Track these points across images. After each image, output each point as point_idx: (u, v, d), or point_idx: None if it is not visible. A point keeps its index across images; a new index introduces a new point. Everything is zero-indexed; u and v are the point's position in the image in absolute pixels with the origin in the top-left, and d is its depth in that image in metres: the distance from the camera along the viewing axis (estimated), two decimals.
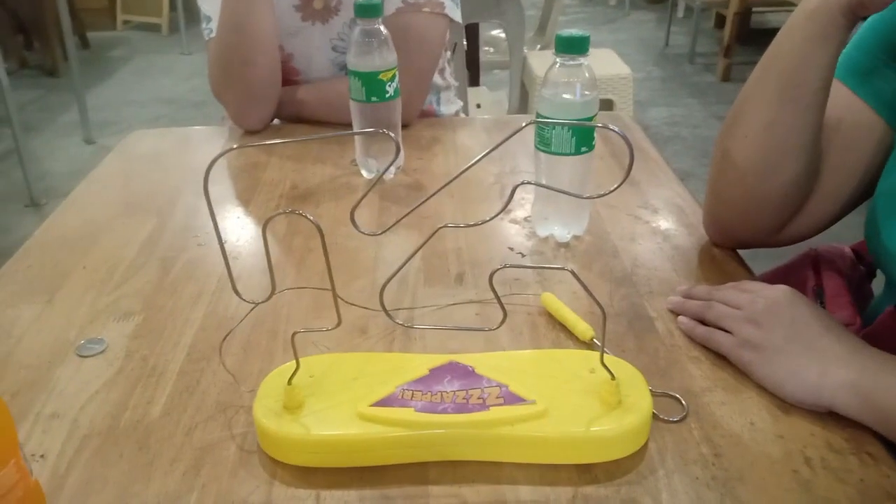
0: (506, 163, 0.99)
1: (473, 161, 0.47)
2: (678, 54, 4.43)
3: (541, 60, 2.65)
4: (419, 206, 0.50)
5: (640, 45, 4.59)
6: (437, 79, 1.25)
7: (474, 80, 2.33)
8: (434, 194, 0.50)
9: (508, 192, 0.90)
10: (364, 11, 0.89)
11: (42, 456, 0.54)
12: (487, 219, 0.50)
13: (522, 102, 2.54)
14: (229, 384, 0.60)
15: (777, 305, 0.60)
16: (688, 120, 3.45)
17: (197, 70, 4.14)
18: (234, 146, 0.46)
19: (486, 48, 2.76)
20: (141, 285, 0.74)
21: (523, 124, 0.45)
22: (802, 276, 0.76)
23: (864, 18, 0.66)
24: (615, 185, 0.45)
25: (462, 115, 1.35)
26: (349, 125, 0.99)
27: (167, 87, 3.94)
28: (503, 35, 2.70)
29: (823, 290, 0.73)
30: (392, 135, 0.46)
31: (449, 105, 1.32)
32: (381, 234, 0.50)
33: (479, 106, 2.28)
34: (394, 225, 0.50)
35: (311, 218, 0.47)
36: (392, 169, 0.96)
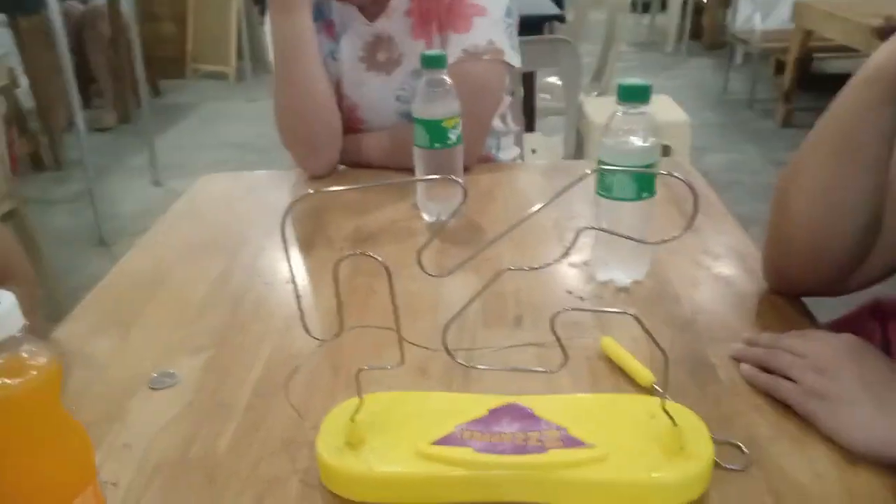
0: (564, 208, 1.00)
1: (540, 206, 0.48)
2: (736, 100, 4.39)
3: (597, 107, 2.66)
4: (484, 248, 0.51)
5: (698, 92, 4.57)
6: (497, 124, 1.27)
7: (530, 126, 2.36)
8: (498, 238, 0.51)
9: (567, 236, 0.92)
10: (430, 62, 0.92)
11: (114, 484, 0.56)
12: (550, 262, 0.51)
13: (578, 148, 2.55)
14: (293, 420, 0.62)
15: (843, 354, 0.59)
16: (747, 166, 3.40)
17: (262, 116, 4.27)
18: (311, 192, 0.49)
19: (543, 95, 2.79)
20: (211, 322, 0.77)
21: (588, 172, 0.46)
22: (868, 327, 0.74)
23: None
24: (679, 232, 0.45)
25: (520, 161, 1.37)
26: (410, 171, 1.01)
27: (233, 132, 4.08)
28: (559, 82, 2.74)
29: (889, 340, 0.71)
30: (460, 181, 0.48)
31: (508, 151, 1.34)
32: (448, 275, 0.51)
33: (534, 151, 2.30)
34: (459, 266, 0.51)
35: (380, 259, 0.49)
36: (453, 216, 0.98)
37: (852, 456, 0.55)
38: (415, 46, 1.15)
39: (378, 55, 1.17)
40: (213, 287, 0.84)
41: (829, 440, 0.56)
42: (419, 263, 0.50)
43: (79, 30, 3.88)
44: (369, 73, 1.18)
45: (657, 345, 0.48)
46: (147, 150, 3.34)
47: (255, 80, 4.70)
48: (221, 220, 1.04)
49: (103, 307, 0.82)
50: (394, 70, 1.17)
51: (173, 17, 5.05)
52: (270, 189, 1.17)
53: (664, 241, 0.46)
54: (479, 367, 0.63)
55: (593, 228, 0.48)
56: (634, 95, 0.74)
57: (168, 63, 4.93)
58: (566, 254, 0.48)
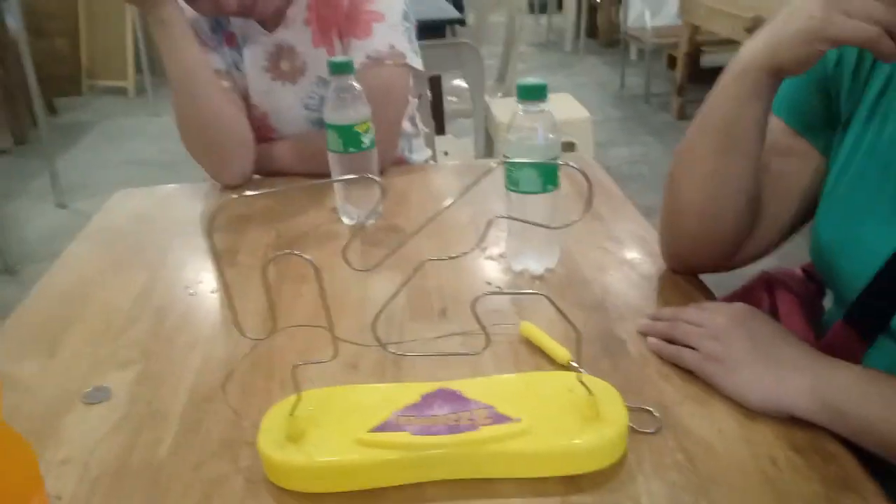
0: (479, 204, 1.04)
1: (452, 201, 0.52)
2: (634, 95, 4.59)
3: (503, 107, 2.74)
4: (405, 241, 0.55)
5: (597, 88, 4.75)
6: (407, 126, 1.31)
7: (440, 129, 2.41)
8: (418, 231, 0.55)
9: (480, 228, 0.96)
10: (338, 69, 0.95)
11: (59, 498, 0.56)
12: (467, 251, 0.54)
13: (487, 148, 2.62)
14: (232, 421, 0.64)
15: (735, 320, 0.66)
16: (647, 158, 3.57)
17: (166, 132, 4.16)
18: (235, 196, 0.51)
19: (450, 98, 2.85)
20: (138, 336, 0.77)
21: (493, 165, 0.50)
22: (757, 296, 0.82)
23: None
24: (578, 216, 0.50)
25: (432, 163, 1.41)
26: (324, 176, 1.04)
27: (137, 149, 3.97)
28: (463, 83, 2.80)
29: (777, 307, 0.78)
30: (377, 178, 0.51)
31: (420, 152, 1.38)
32: (373, 268, 0.54)
33: (446, 153, 2.35)
34: (383, 260, 0.54)
35: (308, 257, 0.52)
36: (371, 215, 1.01)
37: (750, 412, 0.61)
38: (317, 54, 1.17)
39: (281, 64, 1.19)
40: (136, 301, 0.84)
41: (729, 399, 0.62)
42: (345, 260, 0.53)
43: None
44: (275, 83, 1.20)
45: (569, 322, 0.53)
46: (48, 172, 3.21)
47: (155, 93, 4.58)
48: (140, 235, 1.04)
49: (26, 328, 0.81)
50: (299, 79, 1.20)
51: (64, 31, 4.85)
52: (186, 201, 1.17)
53: (566, 225, 0.50)
54: (408, 354, 0.66)
55: (503, 217, 0.52)
56: (532, 94, 0.79)
57: (63, 80, 4.73)
58: (480, 242, 0.53)
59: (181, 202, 1.17)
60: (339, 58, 0.97)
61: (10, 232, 2.82)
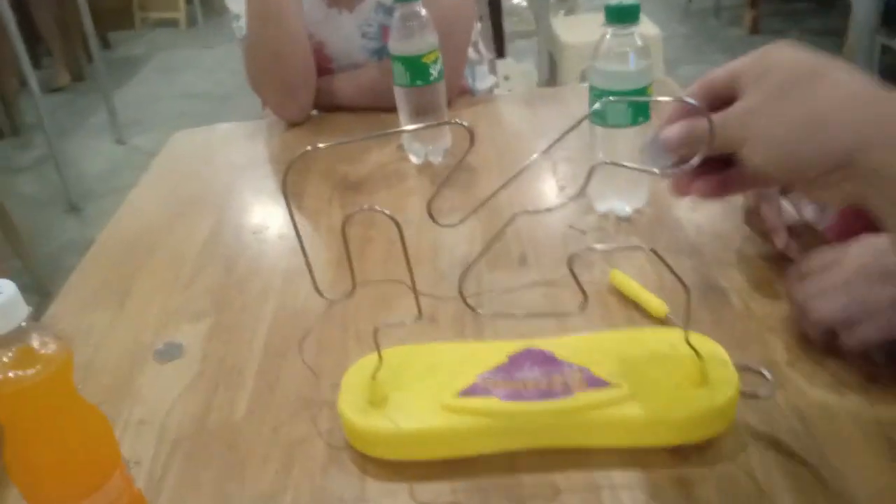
0: (552, 136, 0.97)
1: (545, 148, 0.46)
2: (702, 9, 4.33)
3: (567, 27, 2.60)
4: (493, 195, 0.50)
5: (663, 2, 4.49)
6: (470, 53, 1.24)
7: (500, 52, 2.31)
8: (506, 185, 0.49)
9: (561, 168, 0.90)
10: None
11: (137, 462, 0.55)
12: (559, 203, 0.49)
13: (552, 71, 2.50)
14: (309, 379, 0.61)
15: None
16: None
17: (219, 64, 4.15)
18: (309, 148, 0.46)
19: (509, 18, 2.72)
20: (208, 285, 0.75)
21: (597, 105, 0.44)
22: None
23: None
24: (696, 159, 0.44)
25: (496, 91, 1.34)
26: (387, 110, 0.98)
27: (190, 82, 3.95)
28: (523, 2, 2.67)
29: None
30: (465, 124, 0.46)
31: (484, 80, 1.31)
32: (459, 223, 0.49)
33: (507, 78, 2.25)
34: (469, 215, 0.49)
35: (388, 212, 0.47)
36: (440, 153, 0.96)
37: (872, 372, 0.55)
38: None
39: None
40: (204, 247, 0.82)
41: (850, 357, 0.56)
42: (430, 216, 0.48)
43: None
44: (331, 10, 1.14)
45: (678, 278, 0.47)
46: (105, 108, 3.23)
47: (206, 24, 4.53)
48: (202, 177, 1.01)
49: (94, 279, 0.79)
50: (356, 6, 1.13)
51: None
52: (247, 141, 1.13)
53: (681, 169, 0.44)
54: (500, 314, 0.62)
55: (607, 164, 0.46)
56: (623, 16, 0.71)
57: (116, 14, 4.72)
58: (580, 192, 0.47)
59: (241, 141, 1.13)
60: None
61: (71, 169, 2.86)
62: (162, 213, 0.92)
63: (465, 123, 0.45)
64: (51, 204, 2.77)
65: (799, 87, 0.44)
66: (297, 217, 0.86)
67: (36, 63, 3.98)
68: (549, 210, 0.55)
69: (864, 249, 0.57)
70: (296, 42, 1.07)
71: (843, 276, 0.56)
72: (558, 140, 0.48)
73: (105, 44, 4.46)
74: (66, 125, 3.42)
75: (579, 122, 0.47)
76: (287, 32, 1.05)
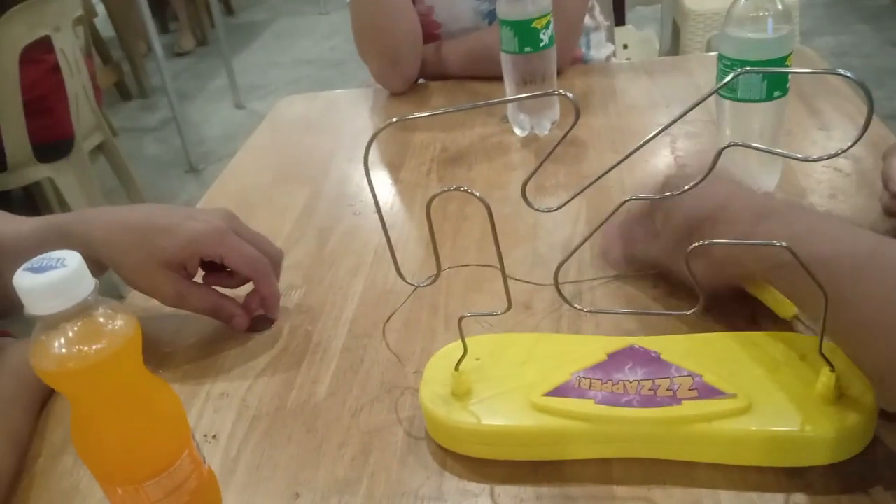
0: (674, 110, 0.90)
1: (663, 127, 0.40)
2: None
3: None
4: (597, 180, 0.44)
5: None
6: (586, 19, 1.16)
7: (619, 20, 2.19)
8: (614, 167, 0.44)
9: (680, 143, 0.82)
10: None
11: (214, 437, 0.54)
12: (677, 192, 0.43)
13: (674, 40, 2.36)
14: (393, 363, 0.58)
15: None
16: (859, 49, 3.11)
17: (336, 29, 4.19)
18: (394, 119, 0.42)
19: None
20: (300, 257, 0.73)
21: (732, 76, 0.38)
22: None
23: None
24: (849, 143, 0.37)
25: (613, 59, 1.26)
26: (495, 79, 0.93)
27: (308, 48, 4.01)
28: None
29: None
30: (570, 95, 0.41)
31: (600, 48, 1.23)
32: (557, 209, 0.44)
33: (625, 47, 2.14)
34: (570, 200, 0.44)
35: (478, 195, 0.43)
36: (547, 125, 0.90)
37: None
38: None
39: None
40: (299, 219, 0.80)
41: None
42: (525, 199, 0.43)
43: None
44: None
45: (815, 281, 0.40)
46: (226, 73, 3.33)
47: None
48: (303, 146, 0.99)
49: None
50: None
51: None
52: (350, 109, 1.11)
53: (830, 157, 0.37)
54: (602, 311, 0.56)
55: (740, 145, 0.39)
56: None
57: None
58: (706, 177, 0.40)
59: (346, 109, 1.11)
60: None
61: (192, 132, 2.97)
62: (261, 181, 0.91)
63: (570, 95, 0.40)
64: (173, 165, 2.89)
65: None
66: (393, 190, 0.83)
67: (163, 28, 4.16)
68: (663, 197, 0.49)
69: None
70: (398, 12, 1.03)
71: None
72: (681, 116, 0.42)
73: (228, 10, 4.60)
74: (188, 89, 3.55)
75: (707, 95, 0.40)
76: (387, 6, 1.02)
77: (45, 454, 0.55)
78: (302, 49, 4.02)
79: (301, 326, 0.64)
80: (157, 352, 0.63)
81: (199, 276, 0.64)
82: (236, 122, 3.19)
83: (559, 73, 1.03)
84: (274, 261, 0.64)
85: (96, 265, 0.59)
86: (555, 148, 0.43)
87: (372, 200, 0.45)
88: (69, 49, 1.88)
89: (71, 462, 0.53)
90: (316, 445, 0.52)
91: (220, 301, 0.63)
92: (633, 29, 2.29)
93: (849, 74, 0.36)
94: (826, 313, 0.42)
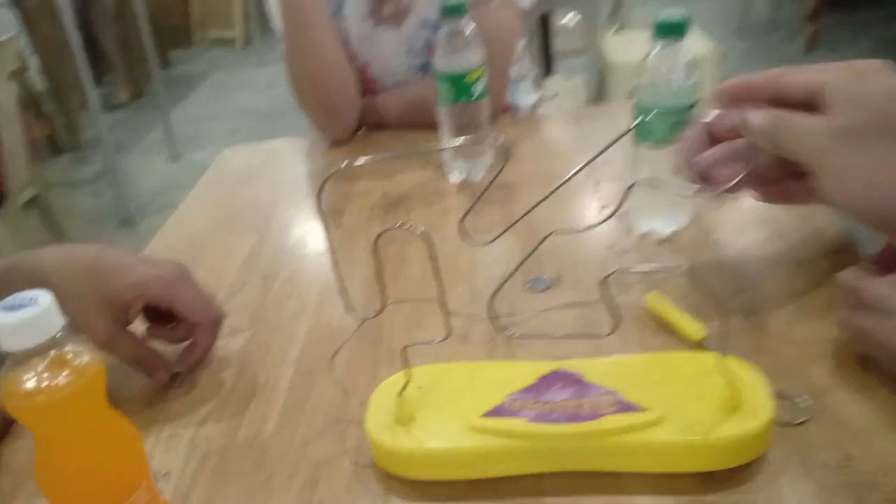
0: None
1: (583, 165, 0.46)
2: (760, 22, 4.25)
3: (617, 44, 2.59)
4: (528, 213, 0.49)
5: (718, 16, 4.42)
6: (513, 69, 1.24)
7: (548, 70, 2.30)
8: (542, 201, 0.49)
9: (604, 186, 0.89)
10: (449, 11, 0.88)
11: (166, 474, 0.56)
12: (597, 223, 0.48)
13: (601, 88, 2.49)
14: (338, 397, 0.61)
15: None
16: None
17: (273, 81, 4.23)
18: (343, 165, 0.47)
19: (558, 36, 2.71)
20: (246, 301, 0.76)
21: (642, 118, 0.44)
22: None
23: None
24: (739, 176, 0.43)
25: (542, 107, 1.33)
26: (430, 127, 0.98)
27: (246, 100, 4.05)
28: (574, 21, 2.66)
29: None
30: (500, 140, 0.46)
31: (527, 96, 1.30)
32: (491, 242, 0.49)
33: (555, 95, 2.25)
34: (501, 234, 0.49)
35: (421, 230, 0.47)
36: (480, 170, 0.96)
37: None
38: None
39: (385, 8, 1.14)
40: (244, 264, 0.83)
41: (891, 386, 0.54)
42: (462, 234, 0.48)
43: (84, 5, 3.84)
44: (378, 28, 1.15)
45: (718, 302, 0.46)
46: (163, 125, 3.33)
47: (263, 43, 4.63)
48: (247, 194, 1.03)
49: None
50: (402, 22, 1.14)
51: None
52: (292, 158, 1.15)
53: (727, 190, 0.43)
54: (529, 336, 0.61)
55: (645, 184, 0.45)
56: (672, 31, 0.70)
57: (175, 32, 4.87)
58: (616, 211, 0.46)
59: (288, 158, 1.16)
60: None
61: (128, 184, 2.95)
62: (206, 229, 0.93)
63: (500, 139, 0.45)
64: (105, 219, 2.86)
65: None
66: (337, 234, 0.87)
67: (98, 80, 4.13)
68: (584, 230, 0.54)
69: None
70: (334, 70, 1.09)
71: None
72: (597, 156, 0.47)
73: (165, 62, 4.61)
74: (124, 141, 3.54)
75: (620, 137, 0.46)
76: (324, 61, 1.08)
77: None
78: (240, 100, 4.05)
79: (248, 368, 0.67)
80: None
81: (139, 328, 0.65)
82: (173, 174, 3.19)
83: (493, 121, 1.10)
84: (217, 319, 0.66)
85: None
86: (487, 187, 0.48)
87: (313, 247, 0.49)
88: (3, 102, 1.87)
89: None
90: (265, 479, 0.55)
91: (149, 354, 0.64)
92: (562, 79, 2.40)
93: (749, 118, 0.42)
94: (726, 328, 0.47)
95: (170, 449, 0.58)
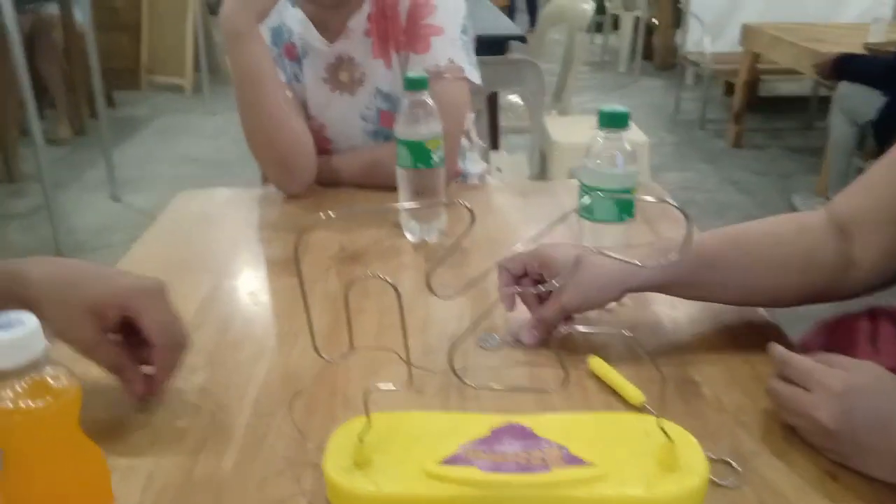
0: (542, 227, 1.02)
1: (537, 233, 0.51)
2: (689, 120, 4.53)
3: (558, 126, 2.72)
4: (486, 273, 0.53)
5: (651, 111, 4.69)
6: (462, 140, 1.30)
7: (494, 145, 2.40)
8: (494, 266, 0.53)
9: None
10: (413, 85, 0.94)
11: None
12: (550, 283, 0.53)
13: (542, 166, 2.60)
14: (294, 440, 0.63)
15: (855, 389, 0.59)
16: (702, 185, 3.51)
17: (221, 130, 4.24)
18: (322, 216, 0.50)
19: (505, 113, 2.83)
20: (203, 342, 0.77)
21: (584, 199, 0.49)
22: (856, 324, 0.78)
23: None
24: (675, 255, 0.48)
25: (488, 177, 1.40)
26: (387, 188, 1.03)
27: (192, 147, 4.03)
28: (519, 100, 2.79)
29: (878, 335, 0.74)
30: (468, 205, 0.50)
31: (475, 164, 1.37)
32: (456, 297, 0.53)
33: (499, 170, 2.34)
34: (466, 289, 0.53)
35: (390, 282, 0.51)
36: (435, 232, 1.00)
37: (835, 467, 0.58)
38: (375, 66, 1.18)
39: (340, 76, 1.20)
40: (201, 307, 0.84)
41: (812, 452, 0.59)
42: (429, 288, 0.52)
43: (30, 39, 3.79)
44: (334, 94, 1.20)
45: (655, 365, 0.51)
46: (104, 164, 3.28)
47: (212, 92, 4.65)
48: (203, 239, 1.04)
49: None
50: (357, 90, 1.20)
51: (127, 27, 4.97)
52: (249, 205, 1.17)
53: (659, 264, 0.48)
54: (486, 388, 0.64)
55: (598, 251, 0.50)
56: (615, 122, 0.77)
57: (123, 74, 4.85)
58: (562, 280, 0.51)
59: (245, 206, 1.18)
60: (415, 74, 0.97)
61: (63, 221, 2.88)
62: (162, 268, 0.94)
63: (468, 204, 0.49)
64: (37, 254, 2.76)
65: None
66: (292, 282, 0.89)
67: (39, 115, 4.06)
68: (537, 291, 0.58)
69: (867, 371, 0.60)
70: (287, 128, 1.11)
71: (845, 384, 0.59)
72: (547, 229, 0.52)
73: (110, 102, 4.56)
74: (62, 178, 3.46)
75: (567, 214, 0.51)
76: (277, 119, 1.10)
77: None
78: (186, 146, 4.03)
79: (205, 406, 0.67)
80: None
81: None
82: (112, 214, 3.13)
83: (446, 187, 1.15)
84: (179, 344, 0.67)
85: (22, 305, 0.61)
86: (457, 245, 0.51)
87: (272, 293, 0.52)
88: None
89: None
90: None
91: (129, 364, 0.65)
92: (506, 154, 2.51)
93: (674, 203, 0.48)
94: (664, 392, 0.52)
95: (127, 479, 0.58)
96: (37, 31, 3.83)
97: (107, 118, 3.43)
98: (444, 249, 0.97)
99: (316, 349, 0.54)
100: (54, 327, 0.62)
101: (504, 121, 2.79)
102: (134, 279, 0.64)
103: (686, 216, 0.47)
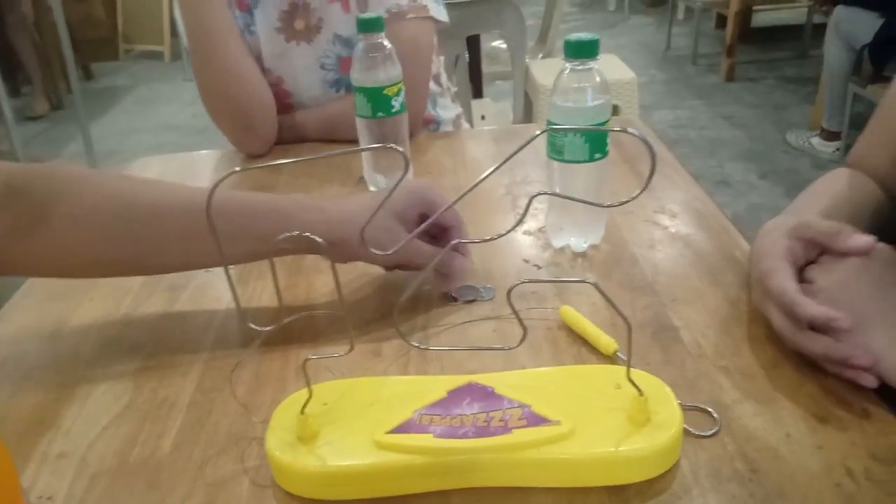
0: (516, 173, 0.97)
1: (488, 172, 0.45)
2: (680, 56, 4.42)
3: (543, 69, 2.64)
4: (432, 220, 0.48)
5: (642, 49, 4.58)
6: (432, 85, 1.23)
7: (477, 93, 2.32)
8: (447, 208, 0.48)
9: (521, 203, 0.89)
10: (366, 26, 0.87)
11: (49, 498, 0.52)
12: (503, 233, 0.48)
13: (527, 112, 2.52)
14: (241, 415, 0.58)
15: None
16: (694, 122, 3.43)
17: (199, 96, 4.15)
18: (237, 169, 0.45)
19: (488, 59, 2.75)
20: (148, 315, 0.72)
21: (537, 133, 0.43)
22: None
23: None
24: (636, 192, 0.43)
25: (463, 121, 1.33)
26: (353, 143, 0.97)
27: (171, 114, 3.95)
28: (504, 46, 2.70)
29: None
30: (401, 149, 0.44)
31: (447, 110, 1.30)
32: (391, 252, 0.48)
33: (483, 117, 2.26)
34: (405, 242, 0.48)
35: (320, 241, 0.46)
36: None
37: (822, 414, 0.54)
38: (332, 10, 1.10)
39: (296, 23, 1.12)
40: (149, 277, 0.79)
41: (799, 399, 0.55)
42: (363, 241, 0.46)
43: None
44: (290, 44, 1.13)
45: (619, 313, 0.46)
46: (81, 137, 3.21)
47: (190, 58, 4.54)
48: None
49: (33, 305, 0.76)
50: (314, 37, 1.12)
51: None
52: (205, 170, 1.12)
53: (621, 203, 0.43)
54: (434, 348, 0.60)
55: (546, 194, 0.45)
56: (582, 51, 0.71)
57: (99, 45, 4.73)
58: (519, 223, 0.45)
59: (200, 170, 1.12)
60: (368, 14, 0.90)
61: None
62: None
63: (400, 149, 0.44)
64: None
65: None
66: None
67: (14, 91, 3.97)
68: (486, 240, 0.53)
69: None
70: (246, 82, 1.06)
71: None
72: (501, 165, 0.46)
73: (87, 74, 4.47)
74: (40, 153, 3.39)
75: (520, 148, 0.45)
76: (235, 74, 1.05)
77: None
78: (165, 115, 3.95)
79: (147, 384, 0.63)
80: None
81: None
82: None
83: (414, 135, 1.09)
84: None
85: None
86: (389, 194, 0.46)
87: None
88: None
89: None
90: (159, 499, 0.51)
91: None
92: (490, 101, 2.43)
93: (633, 131, 0.42)
94: (631, 343, 0.47)
95: (58, 469, 0.54)
96: (4, 5, 3.72)
97: (85, 91, 3.37)
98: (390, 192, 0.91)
99: (241, 317, 0.49)
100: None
101: (488, 67, 2.71)
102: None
103: (649, 146, 0.41)
